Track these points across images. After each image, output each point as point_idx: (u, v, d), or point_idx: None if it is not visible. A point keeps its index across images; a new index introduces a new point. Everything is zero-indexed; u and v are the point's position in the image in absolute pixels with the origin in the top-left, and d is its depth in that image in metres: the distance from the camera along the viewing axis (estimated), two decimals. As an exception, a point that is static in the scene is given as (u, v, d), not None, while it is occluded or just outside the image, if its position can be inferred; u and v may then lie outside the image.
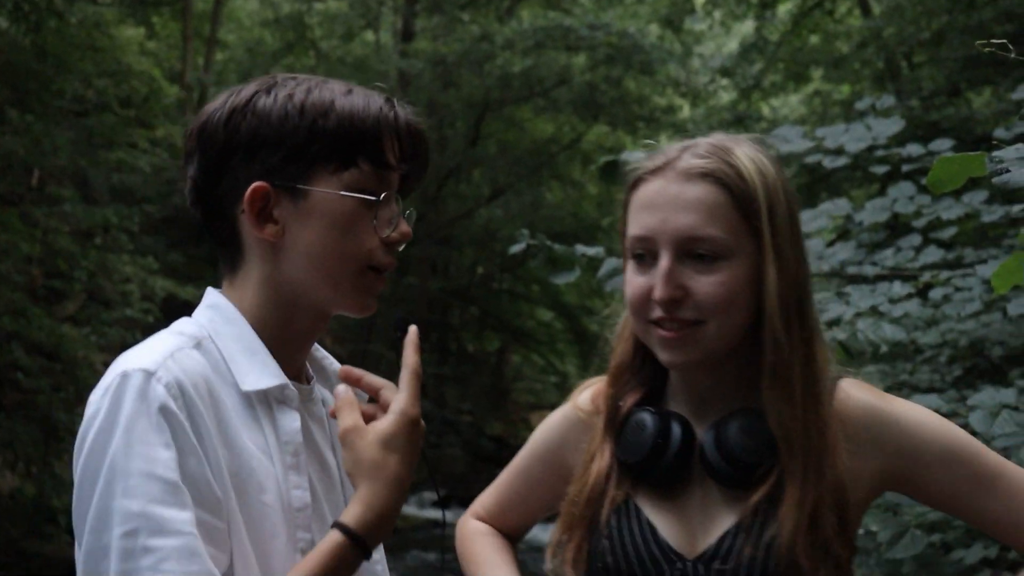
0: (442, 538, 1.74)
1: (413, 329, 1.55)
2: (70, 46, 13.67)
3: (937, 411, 2.95)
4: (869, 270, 4.16)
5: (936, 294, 3.93)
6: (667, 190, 1.60)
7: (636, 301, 1.63)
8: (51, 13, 12.73)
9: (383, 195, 1.55)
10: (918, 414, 1.63)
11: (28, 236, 13.09)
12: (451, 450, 20.10)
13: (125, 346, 1.54)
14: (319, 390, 1.70)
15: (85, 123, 14.30)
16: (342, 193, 1.52)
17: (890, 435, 1.61)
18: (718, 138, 1.67)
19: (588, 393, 1.84)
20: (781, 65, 15.70)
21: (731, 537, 1.58)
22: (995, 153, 1.81)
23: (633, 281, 1.64)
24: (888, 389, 4.98)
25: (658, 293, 1.58)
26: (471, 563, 1.93)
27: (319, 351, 1.74)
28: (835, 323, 3.58)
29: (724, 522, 1.60)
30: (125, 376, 1.40)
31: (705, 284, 1.57)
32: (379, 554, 1.74)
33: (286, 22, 21.36)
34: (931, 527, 3.15)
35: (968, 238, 5.22)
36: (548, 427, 1.91)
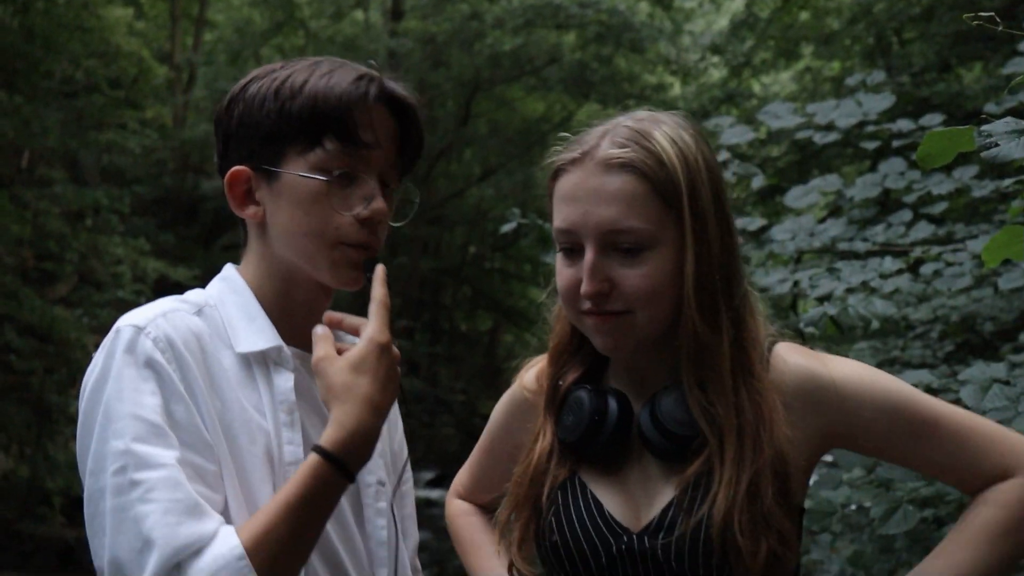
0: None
1: (380, 267, 1.61)
2: (58, 27, 13.60)
3: (928, 387, 2.97)
4: (860, 246, 4.13)
5: (927, 269, 3.91)
6: (587, 183, 1.60)
7: (566, 293, 1.64)
8: (39, -7, 12.66)
9: (339, 172, 1.58)
10: (852, 371, 1.64)
11: (19, 218, 13.06)
12: (445, 429, 20.14)
13: (118, 328, 1.60)
14: None
15: (74, 104, 14.26)
16: (300, 174, 1.58)
17: (827, 397, 1.61)
18: (637, 119, 1.64)
19: (533, 372, 1.85)
20: (772, 42, 15.63)
21: (672, 510, 1.59)
22: (984, 127, 1.78)
23: (563, 273, 1.64)
24: (880, 365, 4.95)
25: (585, 288, 1.58)
26: (459, 543, 2.00)
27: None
28: (826, 299, 3.55)
29: (664, 496, 1.61)
30: (118, 332, 1.52)
31: (630, 277, 1.58)
32: (411, 546, 1.87)
33: (275, 1, 21.25)
34: (923, 502, 3.16)
35: (959, 214, 5.23)
36: (500, 408, 1.94)
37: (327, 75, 1.59)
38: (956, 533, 1.62)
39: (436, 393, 21.52)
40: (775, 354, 1.67)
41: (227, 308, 1.64)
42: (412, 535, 1.90)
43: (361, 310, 1.62)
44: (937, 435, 1.62)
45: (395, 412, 1.89)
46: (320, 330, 1.58)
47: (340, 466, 1.47)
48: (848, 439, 1.65)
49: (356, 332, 1.60)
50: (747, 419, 1.58)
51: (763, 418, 1.59)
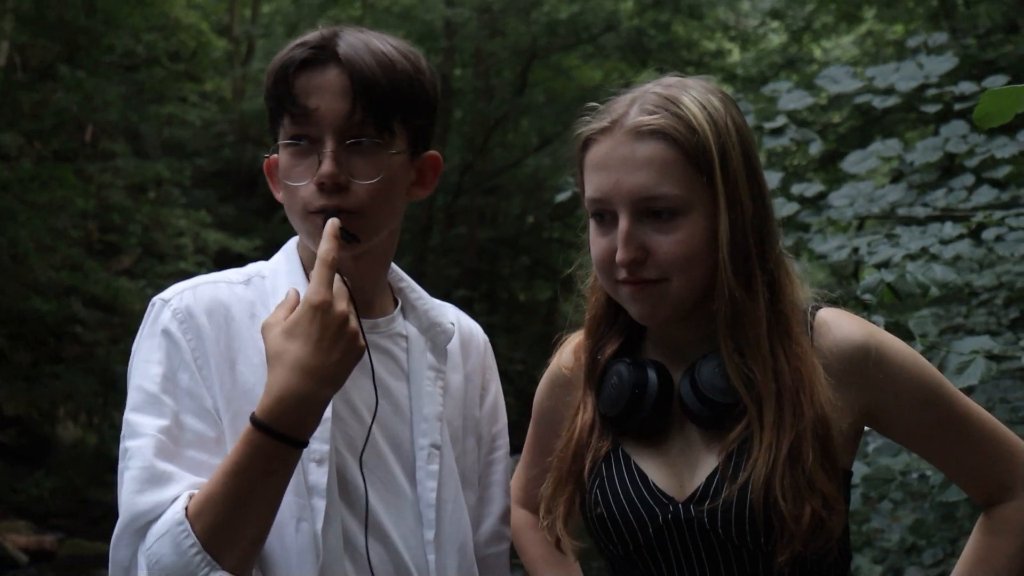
0: None
1: (332, 221, 1.54)
2: (119, 1, 13.75)
3: (990, 353, 2.94)
4: (920, 211, 4.03)
5: (989, 235, 3.82)
6: (617, 151, 1.59)
7: (601, 262, 1.64)
8: (100, -32, 12.81)
9: (286, 142, 1.60)
10: (899, 351, 1.64)
11: (83, 191, 13.32)
12: (505, 398, 20.19)
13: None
14: (402, 325, 1.77)
15: (135, 78, 14.47)
16: (269, 155, 1.66)
17: (873, 371, 1.62)
18: (666, 85, 1.64)
19: (570, 348, 1.84)
20: (832, 5, 15.35)
21: (716, 478, 1.59)
22: None
23: (597, 242, 1.64)
24: (942, 332, 4.85)
25: (620, 256, 1.58)
26: (526, 560, 1.96)
27: (414, 292, 1.81)
28: (884, 265, 3.49)
29: (707, 464, 1.61)
30: (152, 304, 1.62)
31: (665, 243, 1.58)
32: (502, 451, 1.90)
33: (333, -28, 21.32)
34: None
35: None
36: (540, 393, 1.91)
37: (281, 50, 1.63)
38: (977, 567, 1.68)
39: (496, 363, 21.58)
40: (819, 319, 1.66)
41: (278, 278, 1.67)
42: (498, 501, 1.89)
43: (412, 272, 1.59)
44: (963, 433, 1.65)
45: (484, 379, 1.90)
46: (291, 292, 1.55)
47: (271, 432, 1.44)
48: (879, 418, 1.65)
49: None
50: (786, 383, 1.58)
51: (802, 381, 1.59)
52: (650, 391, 1.65)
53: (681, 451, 1.66)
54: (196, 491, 1.47)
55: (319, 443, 1.56)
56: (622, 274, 1.60)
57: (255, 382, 1.55)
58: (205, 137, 17.66)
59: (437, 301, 1.85)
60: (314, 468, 1.57)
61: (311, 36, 1.61)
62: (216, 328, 1.58)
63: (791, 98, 4.30)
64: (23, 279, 12.05)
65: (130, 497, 1.47)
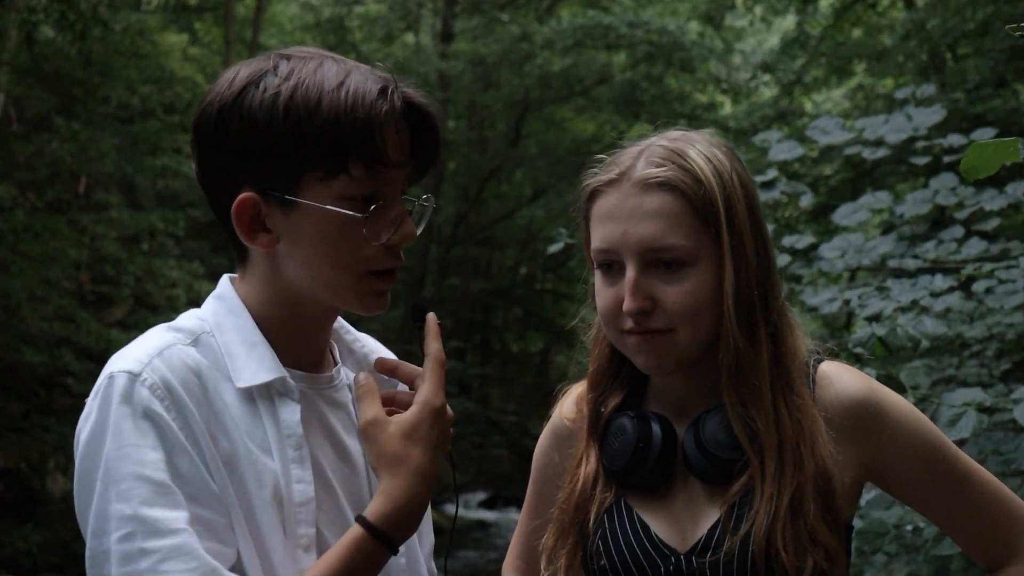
0: (452, 530, 1.70)
1: (431, 316, 1.53)
2: (115, 53, 13.93)
3: (981, 405, 2.91)
4: (911, 263, 4.10)
5: (979, 287, 3.87)
6: (625, 203, 1.61)
7: (607, 312, 1.65)
8: (96, 21, 12.94)
9: (374, 207, 1.45)
10: (902, 408, 1.65)
11: (76, 242, 13.34)
12: (496, 450, 20.15)
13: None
14: (345, 373, 1.65)
15: (130, 129, 14.52)
16: (328, 207, 1.44)
17: (875, 426, 1.62)
18: (671, 139, 1.66)
19: (571, 399, 1.84)
20: (823, 59, 15.55)
21: (718, 530, 1.59)
22: None
23: (603, 292, 1.65)
24: (934, 383, 4.82)
25: (627, 305, 1.59)
26: None
27: (349, 333, 1.70)
28: (875, 318, 3.51)
29: (710, 516, 1.62)
30: (111, 379, 1.40)
31: (672, 293, 1.59)
32: (427, 550, 1.74)
33: (326, 26, 21.52)
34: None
35: (1018, 231, 5.16)
36: (540, 448, 1.90)
37: (340, 86, 1.43)
38: None
39: (487, 414, 21.51)
40: (821, 372, 1.67)
41: (225, 334, 1.50)
42: (427, 538, 1.78)
43: (384, 332, 1.54)
44: (966, 494, 1.64)
45: None
46: (363, 378, 1.50)
47: (384, 540, 1.42)
48: (880, 474, 1.66)
49: (410, 382, 1.55)
50: (787, 434, 1.59)
51: (803, 433, 1.59)
52: (654, 445, 1.65)
53: (684, 504, 1.66)
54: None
55: (305, 527, 1.50)
56: (628, 324, 1.61)
57: (232, 452, 1.44)
58: (199, 188, 17.66)
59: (360, 333, 1.74)
60: (302, 556, 1.49)
61: (376, 78, 1.47)
62: (194, 399, 1.42)
63: (781, 148, 4.38)
64: (15, 330, 12.01)
65: None
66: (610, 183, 1.64)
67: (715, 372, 1.64)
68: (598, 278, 1.67)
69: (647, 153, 1.64)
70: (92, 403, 1.40)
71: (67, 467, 12.72)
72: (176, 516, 1.34)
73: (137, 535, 1.32)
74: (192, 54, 18.41)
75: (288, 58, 1.47)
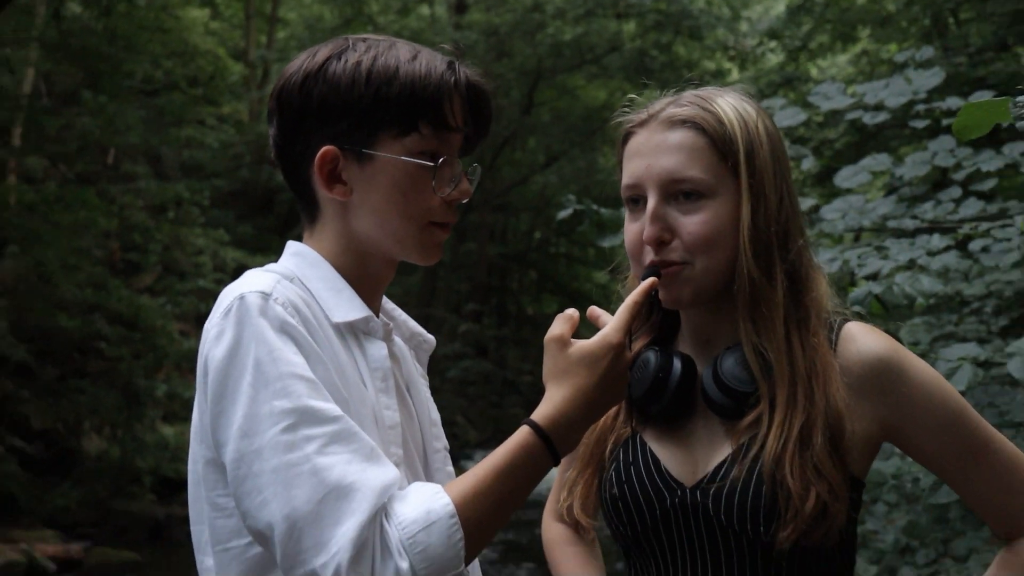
0: None
1: (651, 280, 1.63)
2: (139, 28, 14.07)
3: (975, 359, 3.03)
4: (909, 224, 4.07)
5: (976, 246, 3.87)
6: (651, 139, 1.67)
7: (632, 247, 1.70)
8: (120, -3, 13.08)
9: (442, 159, 1.60)
10: (925, 372, 1.65)
11: (106, 212, 13.51)
12: (513, 409, 20.33)
13: (199, 315, 1.57)
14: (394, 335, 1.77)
15: (155, 102, 14.69)
16: (404, 158, 1.58)
17: (896, 389, 1.63)
18: (704, 90, 1.73)
19: None
20: (829, 25, 15.49)
21: (727, 464, 1.62)
22: (1018, 98, 1.79)
23: (629, 229, 1.71)
24: (934, 340, 4.91)
25: (646, 233, 1.64)
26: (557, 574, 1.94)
27: (388, 303, 1.80)
28: (873, 277, 3.54)
29: (722, 452, 1.64)
30: (242, 299, 1.48)
31: (688, 224, 1.63)
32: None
33: (343, -2, 21.59)
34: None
35: (1017, 191, 5.12)
36: None
37: (414, 59, 1.60)
38: None
39: (504, 375, 21.72)
40: (846, 330, 1.68)
41: (310, 281, 1.61)
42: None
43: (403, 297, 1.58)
44: (984, 461, 1.64)
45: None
46: (570, 310, 1.60)
47: (547, 442, 1.47)
48: (898, 436, 1.66)
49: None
50: (799, 370, 1.61)
51: (816, 372, 1.62)
52: (673, 377, 1.68)
53: (700, 441, 1.69)
54: (454, 483, 1.45)
55: (395, 448, 1.59)
56: (649, 256, 1.66)
57: (351, 371, 1.57)
58: (223, 159, 17.77)
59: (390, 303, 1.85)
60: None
61: (441, 56, 1.64)
62: (307, 323, 1.51)
63: (785, 115, 4.31)
64: (49, 297, 12.21)
65: (362, 475, 1.39)
66: (640, 123, 1.71)
67: (736, 311, 1.67)
68: (627, 217, 1.72)
69: (676, 99, 1.71)
70: (223, 322, 1.47)
71: (101, 428, 13.02)
72: (332, 406, 1.43)
73: (300, 424, 1.40)
74: (213, 28, 18.57)
75: (364, 39, 1.64)
